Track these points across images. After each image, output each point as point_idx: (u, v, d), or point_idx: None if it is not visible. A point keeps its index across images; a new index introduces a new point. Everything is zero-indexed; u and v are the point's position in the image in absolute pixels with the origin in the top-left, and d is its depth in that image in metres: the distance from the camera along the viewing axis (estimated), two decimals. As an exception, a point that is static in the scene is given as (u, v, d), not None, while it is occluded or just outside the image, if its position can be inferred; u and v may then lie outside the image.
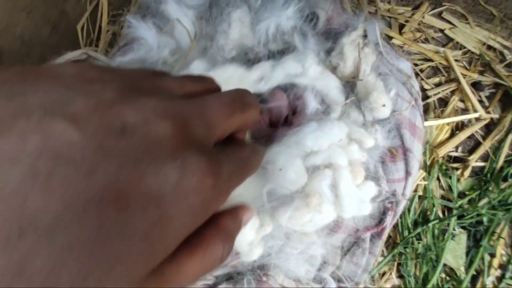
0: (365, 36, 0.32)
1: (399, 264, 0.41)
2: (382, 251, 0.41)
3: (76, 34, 0.41)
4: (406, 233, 0.40)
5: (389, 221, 0.32)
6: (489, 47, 0.50)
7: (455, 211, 0.42)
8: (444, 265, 0.41)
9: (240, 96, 0.15)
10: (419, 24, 0.49)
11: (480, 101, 0.47)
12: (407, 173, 0.32)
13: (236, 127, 0.15)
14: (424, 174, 0.43)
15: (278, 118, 0.34)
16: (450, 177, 0.43)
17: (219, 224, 0.14)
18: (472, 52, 0.49)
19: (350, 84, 0.35)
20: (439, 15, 0.50)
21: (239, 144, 0.15)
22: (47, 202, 0.08)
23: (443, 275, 0.41)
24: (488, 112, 0.47)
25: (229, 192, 0.13)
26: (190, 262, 0.12)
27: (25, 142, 0.09)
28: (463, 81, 0.46)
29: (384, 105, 0.30)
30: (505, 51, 0.50)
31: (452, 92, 0.47)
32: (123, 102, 0.11)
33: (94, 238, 0.09)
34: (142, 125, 0.10)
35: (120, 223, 0.09)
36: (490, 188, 0.43)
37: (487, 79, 0.48)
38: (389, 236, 0.42)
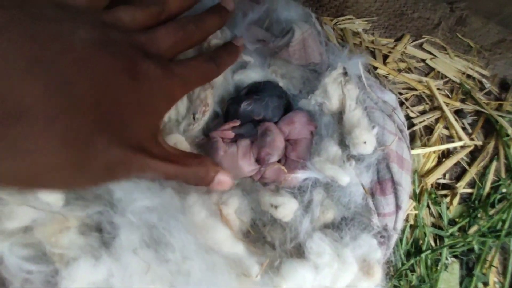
0: (345, 73, 0.33)
1: (394, 297, 0.40)
2: (376, 284, 0.41)
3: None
4: (399, 265, 0.40)
5: (382, 256, 0.32)
6: (469, 76, 0.52)
7: (446, 240, 0.42)
8: (439, 296, 0.40)
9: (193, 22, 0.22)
10: (402, 54, 0.51)
11: (464, 128, 0.48)
12: (397, 207, 0.32)
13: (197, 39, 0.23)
14: (414, 203, 0.43)
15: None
16: (439, 205, 0.43)
17: None
18: (453, 81, 0.51)
19: (337, 118, 0.35)
20: (420, 46, 0.52)
21: (197, 57, 0.23)
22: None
23: (439, 307, 0.40)
24: (472, 139, 0.48)
25: (189, 86, 0.22)
26: None
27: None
28: (446, 109, 0.48)
29: (365, 142, 0.30)
30: (484, 80, 0.52)
31: (437, 120, 0.49)
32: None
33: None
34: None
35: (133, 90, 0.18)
36: (479, 215, 0.43)
37: (469, 107, 0.50)
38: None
